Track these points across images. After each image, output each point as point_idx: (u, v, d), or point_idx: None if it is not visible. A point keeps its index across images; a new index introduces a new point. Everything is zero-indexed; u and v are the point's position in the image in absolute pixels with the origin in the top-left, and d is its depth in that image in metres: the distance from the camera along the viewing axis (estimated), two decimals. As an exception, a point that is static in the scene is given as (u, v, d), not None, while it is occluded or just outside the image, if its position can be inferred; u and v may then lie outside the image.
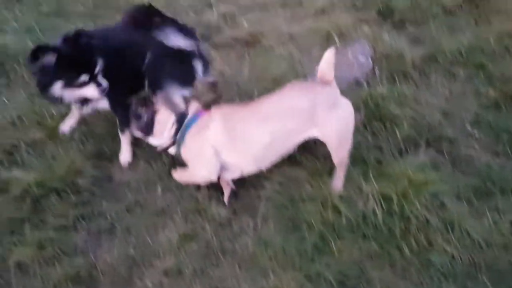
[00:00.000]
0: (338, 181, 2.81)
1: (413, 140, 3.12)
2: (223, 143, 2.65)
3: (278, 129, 2.62)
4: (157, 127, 2.77)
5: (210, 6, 4.56)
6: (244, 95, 3.52)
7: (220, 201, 2.83)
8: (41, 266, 2.50)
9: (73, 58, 2.56)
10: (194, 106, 2.84)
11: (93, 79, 2.66)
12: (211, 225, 2.70)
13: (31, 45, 3.72)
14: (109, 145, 3.12)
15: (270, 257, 2.52)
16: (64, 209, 2.73)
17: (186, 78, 3.03)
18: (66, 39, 2.58)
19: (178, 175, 2.85)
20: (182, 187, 2.89)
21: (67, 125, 3.12)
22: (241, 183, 2.92)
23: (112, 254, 2.58)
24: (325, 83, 2.64)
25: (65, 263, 2.50)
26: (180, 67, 2.97)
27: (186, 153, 2.77)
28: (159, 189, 2.89)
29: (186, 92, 3.00)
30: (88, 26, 4.12)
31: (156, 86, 2.92)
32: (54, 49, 2.52)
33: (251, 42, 4.04)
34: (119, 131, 3.00)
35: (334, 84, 2.67)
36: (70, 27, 4.04)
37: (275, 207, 2.78)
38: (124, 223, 2.73)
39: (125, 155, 3.04)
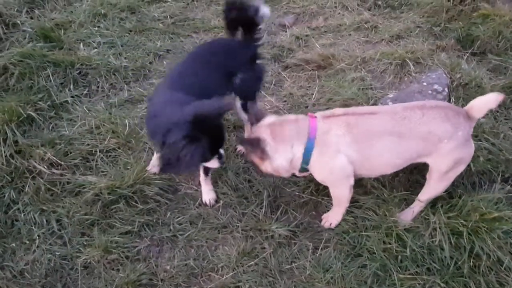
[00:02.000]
0: (409, 214, 2.69)
1: (488, 174, 2.96)
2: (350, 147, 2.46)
3: (403, 148, 2.44)
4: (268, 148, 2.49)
5: (284, 28, 4.62)
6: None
7: (280, 221, 2.82)
8: (106, 269, 2.59)
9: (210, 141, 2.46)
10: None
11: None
12: (271, 244, 2.69)
13: (113, 59, 3.97)
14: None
15: (328, 282, 2.47)
16: (130, 216, 2.83)
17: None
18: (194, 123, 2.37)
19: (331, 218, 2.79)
20: (245, 205, 2.91)
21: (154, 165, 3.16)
22: (303, 204, 2.90)
23: (172, 263, 2.64)
24: (469, 117, 2.43)
25: (128, 268, 2.58)
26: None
27: (320, 173, 2.61)
28: (222, 204, 2.92)
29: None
30: (166, 43, 4.34)
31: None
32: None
33: (323, 65, 4.03)
34: (202, 175, 2.94)
35: (474, 122, 2.46)
36: (149, 44, 4.30)
37: (337, 232, 2.73)
38: (186, 234, 2.78)
39: (209, 195, 2.98)
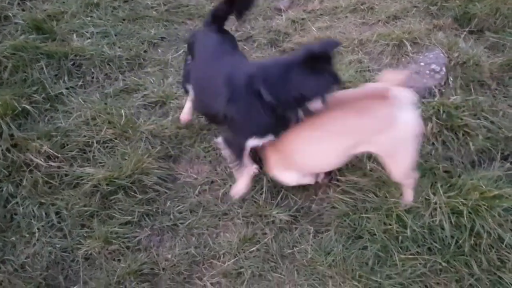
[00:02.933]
0: (407, 196, 2.68)
1: (488, 152, 2.95)
2: None
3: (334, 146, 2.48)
4: None
5: (279, 12, 4.56)
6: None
7: (281, 206, 2.81)
8: (107, 260, 2.59)
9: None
10: None
11: None
12: (272, 229, 2.69)
13: (107, 49, 3.93)
14: (175, 147, 3.19)
15: (329, 265, 2.47)
16: (130, 206, 2.82)
17: None
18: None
19: None
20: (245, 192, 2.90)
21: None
22: (303, 189, 2.89)
23: (173, 252, 2.63)
24: (382, 98, 2.37)
25: (129, 258, 2.58)
26: None
27: None
28: (222, 192, 2.91)
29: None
30: (160, 31, 4.29)
31: None
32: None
33: (319, 48, 3.99)
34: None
35: (392, 101, 2.37)
36: (143, 32, 4.25)
37: (337, 215, 2.72)
38: (186, 223, 2.77)
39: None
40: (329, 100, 2.27)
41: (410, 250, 2.47)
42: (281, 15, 4.53)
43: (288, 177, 2.74)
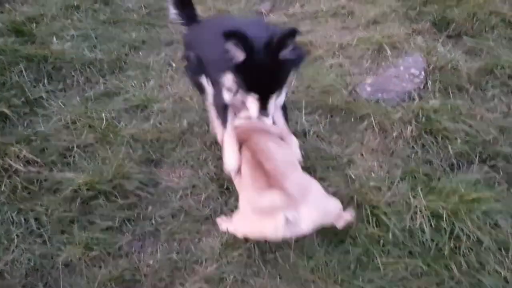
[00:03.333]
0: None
1: (466, 155, 2.99)
2: None
3: None
4: None
5: (261, 15, 4.58)
6: (292, 104, 3.50)
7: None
8: (88, 266, 2.56)
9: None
10: None
11: None
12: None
13: (87, 52, 3.90)
14: (157, 151, 3.17)
15: (312, 269, 2.48)
16: (111, 212, 2.79)
17: None
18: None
19: None
20: (226, 196, 2.89)
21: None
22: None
23: (155, 258, 2.61)
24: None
25: (110, 264, 2.55)
26: None
27: None
28: (204, 196, 2.90)
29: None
30: (142, 34, 4.27)
31: None
32: None
33: (301, 52, 4.02)
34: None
35: None
36: (124, 35, 4.23)
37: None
38: (168, 228, 2.75)
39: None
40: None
41: (391, 254, 2.50)
42: (263, 19, 4.55)
43: None
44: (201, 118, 3.34)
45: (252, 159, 2.35)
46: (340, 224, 2.51)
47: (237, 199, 2.76)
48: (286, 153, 2.51)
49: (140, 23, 4.43)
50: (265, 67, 2.12)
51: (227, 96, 2.48)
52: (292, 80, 2.25)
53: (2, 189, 2.86)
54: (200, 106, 3.43)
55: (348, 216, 2.55)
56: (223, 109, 2.56)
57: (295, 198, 2.08)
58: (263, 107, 2.25)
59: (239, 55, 2.10)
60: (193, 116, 3.39)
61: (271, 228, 2.11)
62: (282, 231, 2.09)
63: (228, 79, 2.29)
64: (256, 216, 2.20)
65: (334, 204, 2.39)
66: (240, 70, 2.16)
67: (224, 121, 2.57)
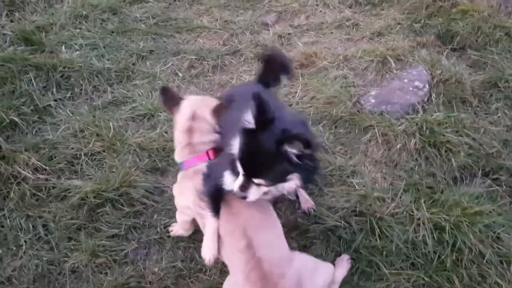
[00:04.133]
0: None
1: (469, 169, 3.03)
2: None
3: None
4: None
5: (266, 26, 4.63)
6: (296, 115, 3.55)
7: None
8: (94, 273, 2.60)
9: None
10: None
11: None
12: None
13: (95, 61, 3.95)
14: (163, 160, 3.21)
15: (315, 279, 2.50)
16: (117, 219, 2.83)
17: None
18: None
19: None
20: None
21: None
22: (289, 205, 2.93)
23: (160, 265, 2.65)
24: None
25: (116, 271, 2.59)
26: None
27: None
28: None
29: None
30: (149, 44, 4.32)
31: None
32: None
33: (305, 63, 4.06)
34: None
35: None
36: (132, 45, 4.28)
37: (322, 230, 2.76)
38: (173, 236, 2.79)
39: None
40: None
41: (394, 265, 2.52)
42: (268, 30, 4.60)
43: None
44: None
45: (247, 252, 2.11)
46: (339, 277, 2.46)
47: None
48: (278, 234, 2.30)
49: (147, 33, 4.47)
50: (263, 148, 1.93)
51: (228, 179, 2.17)
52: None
53: (11, 196, 2.91)
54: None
55: (344, 267, 2.53)
56: (216, 193, 2.23)
57: None
58: (243, 187, 2.04)
59: (250, 123, 1.92)
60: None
61: None
62: None
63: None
64: None
65: (328, 273, 2.28)
66: (242, 137, 1.98)
67: (212, 208, 2.24)
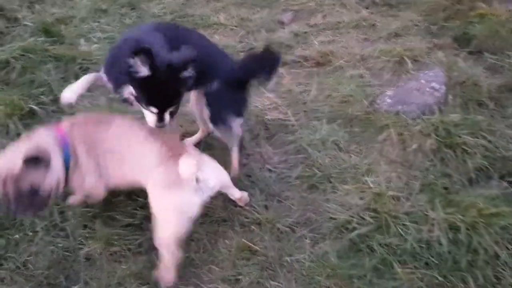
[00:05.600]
0: (162, 272, 2.49)
1: (485, 171, 3.00)
2: None
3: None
4: None
5: (282, 25, 4.65)
6: (311, 113, 3.56)
7: (280, 214, 2.85)
8: (108, 261, 2.61)
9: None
10: None
11: None
12: (270, 237, 2.73)
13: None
14: (178, 152, 3.22)
15: (327, 275, 2.51)
16: (132, 209, 2.85)
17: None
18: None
19: None
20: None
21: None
22: (302, 199, 2.94)
23: (173, 256, 2.66)
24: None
25: (130, 260, 2.61)
26: None
27: None
28: (222, 199, 2.94)
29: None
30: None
31: None
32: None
33: (321, 61, 4.08)
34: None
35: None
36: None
37: (336, 226, 2.77)
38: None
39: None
40: None
41: (408, 264, 2.52)
42: (284, 28, 4.63)
43: None
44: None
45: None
46: (236, 197, 2.77)
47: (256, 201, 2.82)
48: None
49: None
50: (166, 85, 2.32)
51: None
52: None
53: (29, 183, 2.94)
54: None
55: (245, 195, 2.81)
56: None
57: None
58: (161, 119, 2.44)
59: (144, 71, 2.25)
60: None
61: (186, 195, 2.31)
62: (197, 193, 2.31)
63: (127, 91, 2.47)
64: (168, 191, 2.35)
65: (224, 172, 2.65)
66: (142, 85, 2.33)
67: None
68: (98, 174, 2.55)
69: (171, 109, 2.42)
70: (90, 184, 2.57)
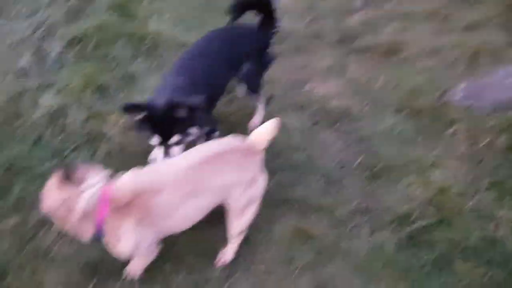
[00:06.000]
0: (228, 254, 2.56)
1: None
2: None
3: (201, 204, 2.30)
4: None
5: (352, 11, 4.56)
6: (376, 102, 3.49)
7: (339, 200, 2.82)
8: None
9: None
10: None
11: None
12: (327, 223, 2.71)
13: (183, 34, 4.07)
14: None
15: (383, 265, 2.47)
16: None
17: None
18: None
19: None
20: (304, 183, 2.93)
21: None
22: (362, 187, 2.89)
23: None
24: (254, 152, 2.37)
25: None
26: None
27: None
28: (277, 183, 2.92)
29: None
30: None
31: None
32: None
33: (391, 51, 3.97)
34: None
35: (261, 154, 2.40)
36: (215, 21, 4.35)
37: (396, 218, 2.71)
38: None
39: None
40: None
41: (469, 260, 2.43)
42: (354, 14, 4.53)
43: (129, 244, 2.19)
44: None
45: None
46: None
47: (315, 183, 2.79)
48: None
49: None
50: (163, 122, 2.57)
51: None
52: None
53: (98, 153, 3.08)
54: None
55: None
56: None
57: None
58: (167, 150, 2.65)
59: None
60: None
61: None
62: None
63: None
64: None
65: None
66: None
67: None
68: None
69: (173, 140, 2.61)
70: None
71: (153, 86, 3.53)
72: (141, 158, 3.04)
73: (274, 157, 3.08)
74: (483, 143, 3.04)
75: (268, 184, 2.89)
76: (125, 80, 3.64)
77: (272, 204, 2.84)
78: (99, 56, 3.76)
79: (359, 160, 3.09)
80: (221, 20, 4.31)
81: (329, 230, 2.67)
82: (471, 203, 2.69)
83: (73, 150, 3.09)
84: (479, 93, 3.35)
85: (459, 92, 3.39)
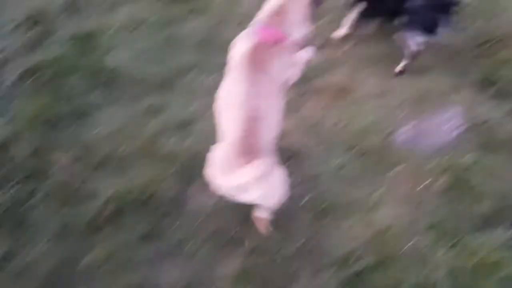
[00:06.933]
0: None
1: (494, 216, 2.95)
2: None
3: None
4: None
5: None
6: (326, 141, 3.55)
7: (284, 240, 2.86)
8: (107, 273, 2.67)
9: None
10: None
11: None
12: (270, 264, 2.73)
13: (138, 69, 4.07)
14: (191, 169, 3.23)
15: None
16: (137, 224, 2.92)
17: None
18: None
19: None
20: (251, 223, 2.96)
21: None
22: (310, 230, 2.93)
23: (172, 275, 2.70)
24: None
25: (129, 274, 2.66)
26: None
27: None
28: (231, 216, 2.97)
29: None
30: (192, 58, 4.41)
31: None
32: None
33: (344, 91, 4.06)
34: None
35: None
36: (174, 57, 4.37)
37: (336, 260, 2.76)
38: (190, 244, 2.86)
39: None
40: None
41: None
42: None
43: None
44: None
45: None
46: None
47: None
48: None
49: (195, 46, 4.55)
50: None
51: None
52: None
53: (40, 188, 3.05)
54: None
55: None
56: None
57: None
58: None
59: None
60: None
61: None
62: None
63: None
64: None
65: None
66: None
67: None
68: None
69: None
70: None
71: (107, 121, 3.56)
72: (82, 199, 3.05)
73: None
74: (423, 185, 3.14)
75: (217, 222, 2.95)
76: (77, 114, 3.62)
77: (217, 244, 2.86)
78: (54, 88, 3.74)
79: (306, 199, 3.14)
80: (181, 56, 4.39)
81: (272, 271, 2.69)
82: (409, 244, 2.76)
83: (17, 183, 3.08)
84: (420, 136, 3.47)
85: (402, 134, 3.51)
